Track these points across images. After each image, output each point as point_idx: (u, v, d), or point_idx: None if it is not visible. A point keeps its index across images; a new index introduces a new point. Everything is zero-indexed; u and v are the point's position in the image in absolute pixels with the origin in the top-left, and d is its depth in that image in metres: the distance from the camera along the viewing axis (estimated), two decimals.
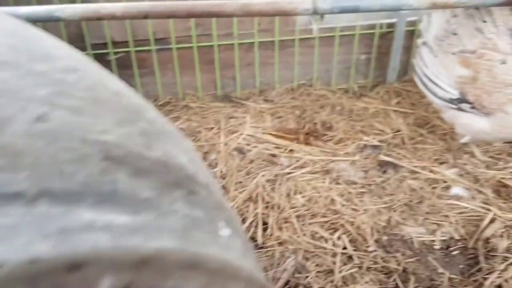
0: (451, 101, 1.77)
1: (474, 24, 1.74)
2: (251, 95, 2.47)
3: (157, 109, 0.65)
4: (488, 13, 1.74)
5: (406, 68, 2.53)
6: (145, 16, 1.45)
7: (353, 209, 1.56)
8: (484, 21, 1.71)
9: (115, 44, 2.22)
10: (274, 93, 2.47)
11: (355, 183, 1.70)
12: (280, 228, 1.47)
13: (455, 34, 1.77)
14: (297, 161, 1.81)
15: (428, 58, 1.87)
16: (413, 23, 2.39)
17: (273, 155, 1.84)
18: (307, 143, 1.98)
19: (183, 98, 2.37)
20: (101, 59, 2.26)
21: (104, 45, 2.21)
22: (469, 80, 1.70)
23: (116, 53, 2.23)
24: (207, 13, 1.43)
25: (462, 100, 1.74)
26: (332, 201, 1.59)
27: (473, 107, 1.71)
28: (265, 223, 1.50)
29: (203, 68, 2.35)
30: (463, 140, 1.91)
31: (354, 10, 1.43)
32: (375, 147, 1.94)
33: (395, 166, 1.81)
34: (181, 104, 2.31)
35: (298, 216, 1.52)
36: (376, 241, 1.46)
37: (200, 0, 1.42)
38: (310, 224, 1.49)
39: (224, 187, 1.65)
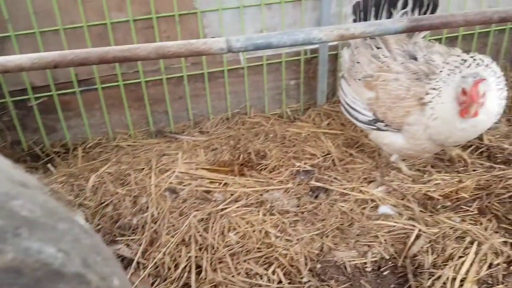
0: (369, 122, 1.89)
1: (371, 51, 1.91)
2: (185, 128, 2.45)
3: (39, 185, 0.62)
4: (382, 41, 1.91)
5: (334, 90, 2.63)
6: (55, 66, 1.40)
7: (287, 240, 1.57)
8: (379, 48, 1.89)
9: (36, 89, 2.13)
10: (209, 124, 2.46)
11: (288, 212, 1.72)
12: (214, 270, 1.45)
13: (358, 62, 1.94)
14: (232, 194, 1.81)
15: (345, 88, 2.01)
16: (335, 47, 2.49)
17: (207, 191, 1.82)
18: (241, 175, 1.99)
19: (114, 138, 2.31)
20: (22, 105, 2.16)
21: (24, 91, 2.12)
22: (374, 100, 1.85)
23: (37, 98, 2.14)
24: (120, 58, 1.40)
25: (376, 120, 1.87)
26: (266, 234, 1.60)
27: (386, 125, 1.84)
28: (199, 266, 1.47)
29: (132, 105, 2.31)
30: (392, 159, 2.01)
31: (267, 46, 1.46)
32: (307, 172, 1.98)
33: (326, 190, 1.85)
34: (111, 145, 2.25)
35: (232, 255, 1.50)
36: (310, 270, 1.48)
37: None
38: (244, 261, 1.48)
39: (156, 232, 1.61)
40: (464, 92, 1.55)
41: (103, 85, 2.19)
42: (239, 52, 1.45)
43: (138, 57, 1.45)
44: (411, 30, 1.59)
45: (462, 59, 1.63)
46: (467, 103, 1.56)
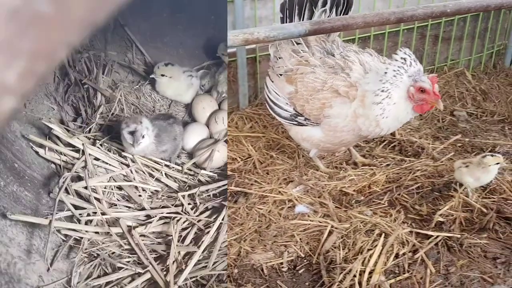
0: (290, 117, 1.92)
1: (292, 47, 1.95)
2: None
3: None
4: (303, 37, 1.95)
5: (256, 93, 2.65)
6: None
7: None
8: (299, 43, 1.94)
9: None
10: None
11: None
12: None
13: (280, 57, 1.97)
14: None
15: (269, 84, 2.03)
16: (253, 51, 2.51)
17: None
18: None
19: None
20: None
21: None
22: (294, 94, 1.88)
23: None
24: None
25: (296, 114, 1.90)
26: None
27: (306, 119, 1.88)
28: None
29: None
30: (310, 154, 2.06)
31: None
32: (228, 177, 1.97)
33: (245, 194, 1.85)
34: None
35: None
36: (228, 276, 1.47)
37: None
38: None
39: None
40: (421, 90, 1.61)
41: None
42: None
43: None
44: (313, 33, 1.64)
45: (402, 58, 1.65)
46: (426, 100, 1.62)
